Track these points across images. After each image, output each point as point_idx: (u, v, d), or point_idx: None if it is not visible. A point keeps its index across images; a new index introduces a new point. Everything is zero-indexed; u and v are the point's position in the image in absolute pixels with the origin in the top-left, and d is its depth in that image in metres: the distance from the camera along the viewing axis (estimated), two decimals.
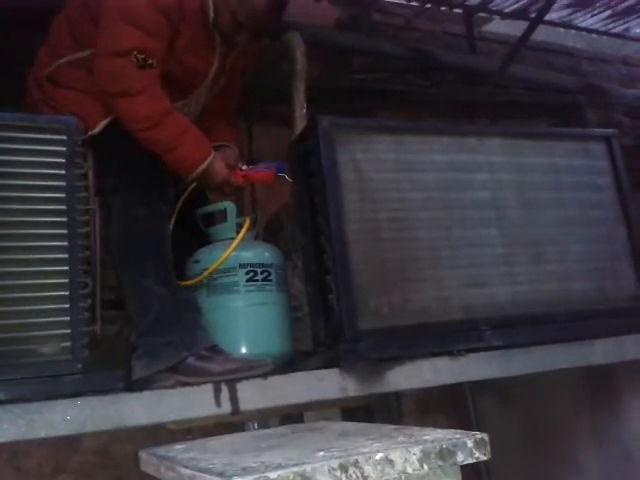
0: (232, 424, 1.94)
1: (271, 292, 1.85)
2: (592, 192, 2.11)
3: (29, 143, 1.54)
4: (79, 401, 1.43)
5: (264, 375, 1.60)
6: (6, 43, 2.42)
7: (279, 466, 0.89)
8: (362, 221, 1.77)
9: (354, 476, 0.90)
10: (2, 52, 2.39)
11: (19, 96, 1.93)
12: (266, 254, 1.90)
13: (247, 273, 1.83)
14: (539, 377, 1.86)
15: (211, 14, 1.80)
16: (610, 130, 2.23)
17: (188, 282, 1.84)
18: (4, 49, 2.41)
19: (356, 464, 0.91)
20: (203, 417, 1.54)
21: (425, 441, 0.99)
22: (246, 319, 1.83)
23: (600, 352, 1.93)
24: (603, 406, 2.30)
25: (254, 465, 0.93)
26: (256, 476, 0.84)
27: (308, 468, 0.88)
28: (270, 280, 1.85)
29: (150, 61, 1.70)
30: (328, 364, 1.69)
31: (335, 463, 0.89)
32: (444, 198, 1.88)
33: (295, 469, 0.87)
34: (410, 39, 3.51)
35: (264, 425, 1.94)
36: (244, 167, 1.94)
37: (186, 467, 1.00)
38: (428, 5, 3.39)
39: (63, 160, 1.56)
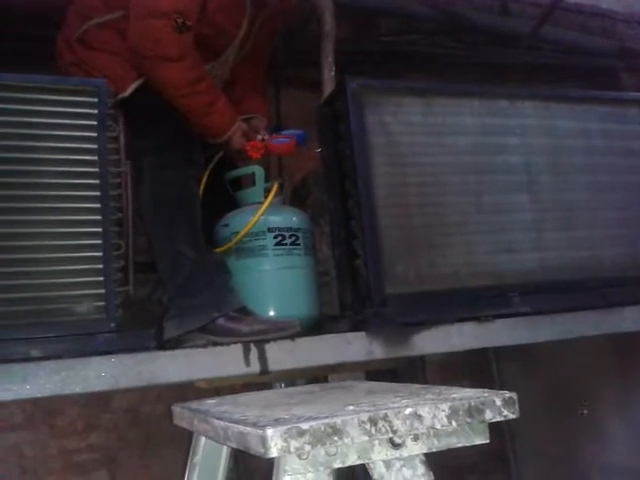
0: (260, 385, 1.98)
1: (299, 256, 1.87)
2: (626, 157, 2.06)
3: (60, 105, 1.56)
4: (113, 358, 1.47)
5: (292, 337, 1.62)
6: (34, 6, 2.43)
7: (310, 418, 0.92)
8: (390, 186, 1.76)
9: (383, 429, 0.92)
10: (30, 17, 2.41)
11: (49, 60, 1.95)
12: (294, 218, 1.90)
13: (275, 237, 1.84)
14: (564, 343, 1.85)
15: None
16: None
17: (219, 249, 1.86)
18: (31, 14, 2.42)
19: (385, 418, 0.92)
20: (233, 376, 1.58)
21: (453, 399, 1.00)
22: (274, 282, 1.84)
23: (629, 319, 1.91)
24: (629, 372, 2.29)
25: (286, 417, 0.95)
26: (289, 426, 0.87)
27: (339, 420, 0.89)
28: (298, 244, 1.87)
29: (188, 24, 1.70)
30: (355, 328, 1.70)
31: (365, 416, 0.91)
32: (474, 162, 1.86)
33: (326, 421, 0.89)
34: (440, 1, 3.42)
35: (291, 387, 1.97)
36: (266, 137, 1.92)
37: (219, 419, 1.03)
38: None
39: (94, 122, 1.57)
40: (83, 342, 1.49)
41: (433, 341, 1.72)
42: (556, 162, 1.96)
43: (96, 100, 1.58)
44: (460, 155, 1.85)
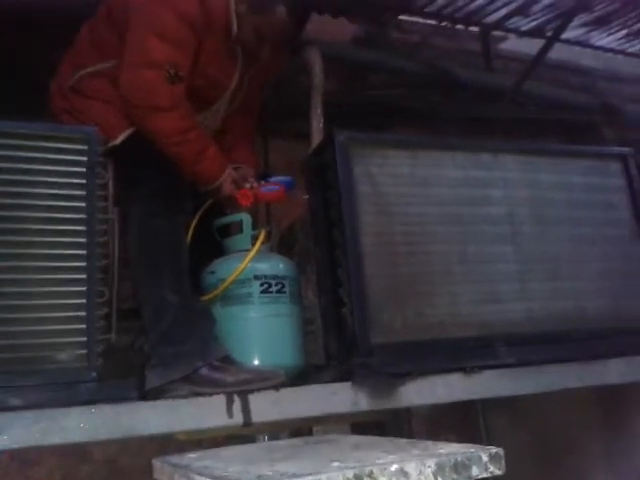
0: (243, 437, 1.94)
1: (285, 304, 1.86)
2: (607, 210, 2.11)
3: (51, 152, 1.57)
4: (93, 409, 1.44)
5: (276, 387, 1.60)
6: (26, 53, 2.47)
7: (294, 475, 0.90)
8: (377, 235, 1.78)
9: None
10: (22, 62, 2.45)
11: (41, 107, 1.97)
12: (281, 266, 1.91)
13: (261, 285, 1.84)
14: (551, 395, 1.85)
15: (234, 27, 1.84)
16: (626, 149, 2.23)
17: (205, 297, 1.85)
18: (25, 59, 2.46)
19: (371, 475, 0.91)
20: (215, 427, 1.55)
21: (440, 454, 0.99)
22: (259, 330, 1.83)
23: (614, 371, 1.92)
24: (615, 425, 2.28)
25: (269, 474, 0.93)
26: None
27: (323, 477, 0.88)
28: (284, 292, 1.86)
29: (181, 74, 1.74)
30: (340, 378, 1.69)
31: (350, 473, 0.90)
32: (459, 213, 1.89)
33: (310, 478, 0.87)
34: (427, 56, 3.54)
35: (275, 439, 1.93)
36: (255, 185, 1.95)
37: (200, 475, 1.01)
38: (444, 23, 3.41)
39: (84, 170, 1.58)
40: (64, 391, 1.46)
41: (419, 392, 1.71)
42: (539, 214, 1.99)
43: (86, 148, 1.59)
44: (445, 206, 1.88)
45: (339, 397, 1.64)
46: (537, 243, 1.97)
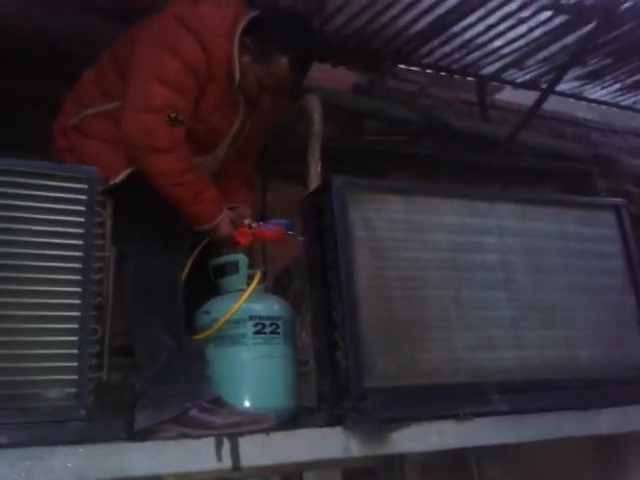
0: None
1: (278, 345, 1.85)
2: (601, 260, 2.12)
3: (51, 190, 1.58)
4: (81, 449, 1.42)
5: (267, 431, 1.58)
6: (29, 92, 2.53)
7: None
8: (372, 279, 1.79)
9: None
10: (24, 101, 2.50)
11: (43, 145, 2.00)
12: (275, 307, 1.91)
13: (255, 325, 1.83)
14: (545, 443, 1.82)
15: (237, 76, 1.88)
16: (619, 199, 2.26)
17: (199, 336, 1.84)
18: (26, 99, 2.52)
19: None
20: (204, 471, 1.52)
21: None
22: (252, 372, 1.82)
23: (606, 421, 1.90)
24: (611, 474, 2.24)
25: None
26: None
27: None
28: (278, 333, 1.86)
29: (181, 118, 1.77)
30: (332, 422, 1.67)
31: None
32: (454, 259, 1.91)
33: None
34: (424, 105, 3.61)
35: None
36: (254, 225, 1.97)
37: None
38: (442, 73, 3.50)
39: (83, 208, 1.59)
40: (52, 430, 1.44)
41: (412, 439, 1.69)
42: (533, 262, 2.01)
43: (86, 187, 1.60)
44: (440, 252, 1.90)
45: (330, 442, 1.62)
46: (531, 291, 1.98)
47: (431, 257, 1.89)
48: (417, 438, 1.69)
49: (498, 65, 3.46)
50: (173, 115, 1.75)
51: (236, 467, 1.51)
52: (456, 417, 1.73)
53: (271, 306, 1.90)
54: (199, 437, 1.54)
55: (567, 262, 2.06)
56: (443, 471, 2.79)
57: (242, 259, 1.96)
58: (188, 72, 1.78)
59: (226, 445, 1.52)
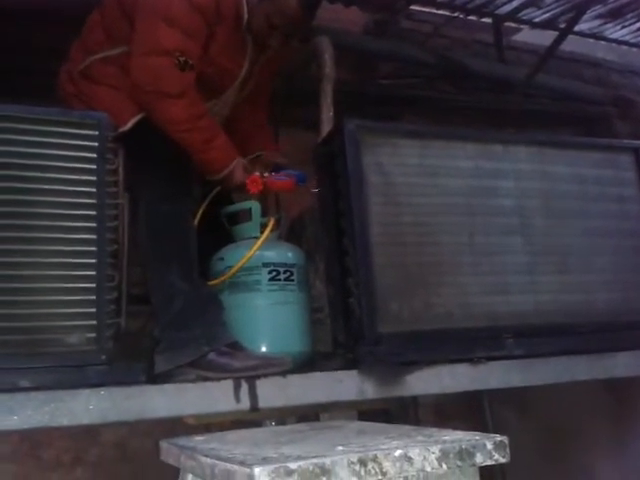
0: (249, 422, 1.95)
1: (293, 292, 1.87)
2: (618, 203, 2.09)
3: (61, 137, 1.57)
4: (102, 391, 1.45)
5: (283, 373, 1.61)
6: (36, 40, 2.48)
7: (299, 457, 0.91)
8: (386, 225, 1.78)
9: (373, 471, 0.91)
10: (30, 48, 2.46)
11: (49, 93, 1.97)
12: (289, 254, 1.91)
13: (270, 272, 1.84)
14: (559, 386, 1.84)
15: (245, 16, 1.83)
16: (638, 142, 2.21)
17: (213, 282, 1.86)
18: (34, 46, 2.47)
19: (375, 459, 0.92)
20: (222, 412, 1.56)
21: (444, 441, 0.99)
22: (267, 318, 1.84)
23: (622, 364, 1.91)
24: (623, 418, 2.27)
25: (274, 456, 0.94)
26: (276, 465, 0.86)
27: (327, 461, 0.89)
28: (292, 280, 1.87)
29: (190, 62, 1.74)
30: (347, 366, 1.69)
31: (354, 457, 0.90)
32: (468, 204, 1.88)
33: (315, 461, 0.88)
34: (438, 46, 3.51)
35: (281, 425, 1.94)
36: (265, 174, 1.95)
37: (206, 456, 1.02)
38: (457, 13, 3.39)
39: (94, 155, 1.59)
40: (73, 374, 1.47)
41: (425, 382, 1.71)
42: (549, 206, 1.98)
43: (97, 133, 1.59)
44: (454, 196, 1.88)
45: (345, 385, 1.64)
46: (547, 235, 1.96)
47: (445, 202, 1.87)
48: (430, 381, 1.71)
49: (515, 4, 3.33)
50: (182, 59, 1.72)
51: (254, 408, 1.55)
52: (470, 361, 1.75)
53: (285, 253, 1.91)
54: (218, 380, 1.57)
55: (584, 206, 2.03)
56: (456, 413, 2.85)
57: (255, 206, 1.95)
58: (196, 13, 1.74)
59: (244, 387, 1.55)
